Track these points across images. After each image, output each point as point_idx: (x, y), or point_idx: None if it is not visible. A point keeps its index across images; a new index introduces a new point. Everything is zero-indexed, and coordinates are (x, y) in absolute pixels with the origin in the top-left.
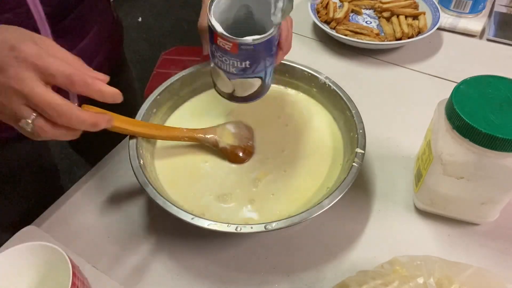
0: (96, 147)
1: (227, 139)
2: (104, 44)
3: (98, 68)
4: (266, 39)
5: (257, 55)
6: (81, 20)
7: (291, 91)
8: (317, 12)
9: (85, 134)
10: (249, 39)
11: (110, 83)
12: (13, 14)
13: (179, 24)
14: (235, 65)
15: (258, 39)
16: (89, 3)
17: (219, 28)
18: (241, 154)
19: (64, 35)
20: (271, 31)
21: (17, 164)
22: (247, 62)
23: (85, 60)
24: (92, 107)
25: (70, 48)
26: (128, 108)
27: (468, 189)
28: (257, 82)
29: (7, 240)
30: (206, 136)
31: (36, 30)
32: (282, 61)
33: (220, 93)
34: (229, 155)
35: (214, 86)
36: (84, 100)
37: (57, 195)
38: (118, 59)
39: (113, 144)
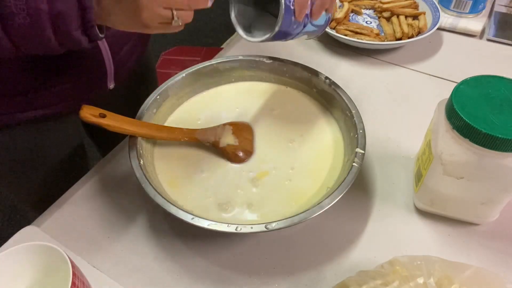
0: (109, 137)
1: (227, 139)
2: (133, 33)
3: (134, 46)
4: (275, 32)
5: (283, 34)
6: None
7: (291, 91)
8: None
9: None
10: (265, 36)
11: (135, 74)
12: None
13: None
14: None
15: (271, 33)
16: None
17: (246, 37)
18: (241, 154)
19: None
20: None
21: (48, 141)
22: (286, 38)
23: (124, 37)
24: (91, 107)
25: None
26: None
27: (468, 189)
28: (306, 34)
29: (35, 217)
30: (207, 136)
31: None
32: (282, 61)
33: None
34: (229, 155)
35: None
36: (84, 101)
37: (82, 174)
38: (145, 51)
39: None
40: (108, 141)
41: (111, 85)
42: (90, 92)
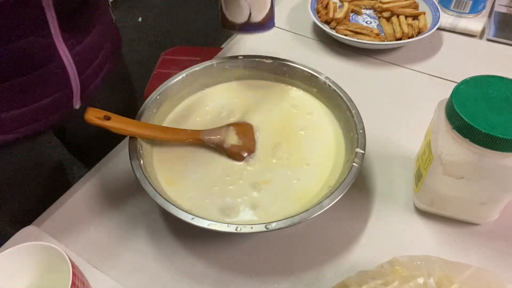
0: (93, 150)
1: (231, 140)
2: (106, 41)
3: (102, 63)
4: None
5: None
6: (85, 18)
7: (291, 89)
8: (317, 12)
9: (83, 138)
10: None
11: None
12: (26, 9)
13: (179, 24)
14: None
15: None
16: (92, 3)
17: None
18: (245, 155)
19: (71, 31)
20: None
21: (23, 163)
22: None
23: (91, 55)
24: (96, 109)
25: (77, 43)
26: (128, 101)
27: (468, 189)
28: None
29: (14, 235)
30: (211, 137)
31: (46, 24)
32: (282, 61)
33: (233, 26)
34: (234, 155)
35: (225, 23)
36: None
37: (64, 190)
38: (119, 57)
39: (110, 146)
40: (92, 154)
41: (77, 105)
42: (56, 113)
